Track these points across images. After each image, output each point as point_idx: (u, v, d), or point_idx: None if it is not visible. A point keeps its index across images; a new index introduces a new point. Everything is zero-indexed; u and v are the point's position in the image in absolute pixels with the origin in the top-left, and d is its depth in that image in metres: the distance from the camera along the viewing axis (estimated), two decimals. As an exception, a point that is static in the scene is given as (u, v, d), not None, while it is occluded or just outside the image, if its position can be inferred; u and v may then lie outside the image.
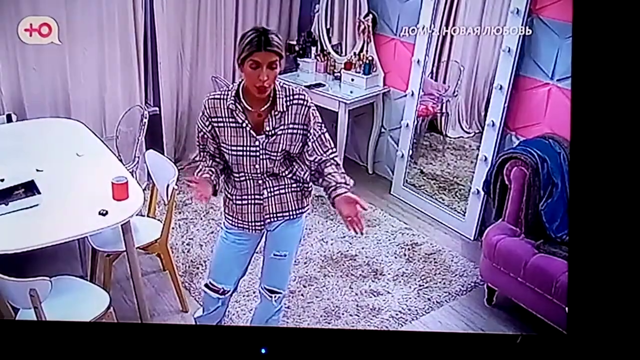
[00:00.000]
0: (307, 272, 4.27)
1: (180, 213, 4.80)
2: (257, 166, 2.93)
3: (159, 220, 4.01)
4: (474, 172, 4.72)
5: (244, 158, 2.91)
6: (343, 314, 3.92)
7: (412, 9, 4.97)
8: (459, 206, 4.87)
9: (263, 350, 3.19)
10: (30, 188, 3.52)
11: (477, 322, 3.88)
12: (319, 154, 2.97)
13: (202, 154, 3.03)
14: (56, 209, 3.44)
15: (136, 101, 5.11)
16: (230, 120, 2.87)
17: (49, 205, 3.47)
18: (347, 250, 4.51)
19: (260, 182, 2.98)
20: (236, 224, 3.10)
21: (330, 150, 3.02)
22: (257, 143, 2.88)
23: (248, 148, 2.89)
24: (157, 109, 5.30)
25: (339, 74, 5.57)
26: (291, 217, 3.11)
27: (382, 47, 5.35)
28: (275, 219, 3.09)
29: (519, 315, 3.78)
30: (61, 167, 3.86)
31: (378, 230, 4.79)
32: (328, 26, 5.75)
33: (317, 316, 3.90)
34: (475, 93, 5.19)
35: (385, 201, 5.23)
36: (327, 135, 3.02)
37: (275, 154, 2.91)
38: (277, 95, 2.88)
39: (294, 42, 5.86)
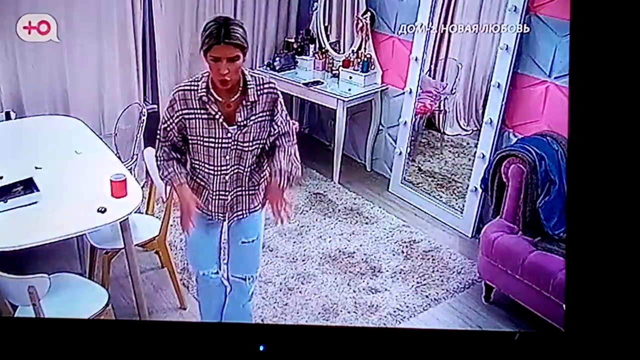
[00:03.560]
0: (305, 269, 4.28)
1: (178, 210, 4.79)
2: (227, 157, 2.92)
3: (157, 217, 4.02)
4: (471, 170, 4.72)
5: (216, 150, 2.90)
6: (341, 311, 3.92)
7: (410, 7, 4.96)
8: (456, 203, 4.88)
9: (261, 347, 3.20)
10: (29, 185, 3.52)
11: (475, 320, 3.89)
12: (278, 139, 3.01)
13: (163, 148, 2.98)
14: (55, 207, 3.45)
15: (134, 99, 5.11)
16: (202, 112, 2.84)
17: (47, 202, 3.47)
18: (345, 248, 4.52)
19: (226, 178, 2.98)
20: (200, 213, 3.10)
21: (291, 140, 3.05)
22: (229, 135, 2.88)
23: (220, 140, 2.88)
24: (155, 106, 5.29)
25: (337, 72, 5.57)
26: (253, 212, 3.14)
27: (380, 44, 5.35)
28: (237, 214, 3.11)
29: (517, 312, 3.78)
30: (60, 164, 3.87)
31: (376, 227, 4.79)
32: (326, 24, 5.75)
33: (315, 313, 3.90)
34: (473, 91, 5.20)
35: (383, 198, 5.23)
36: (291, 125, 3.07)
37: (247, 144, 2.92)
38: (248, 85, 2.86)
39: (292, 40, 5.86)
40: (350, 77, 5.41)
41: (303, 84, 5.47)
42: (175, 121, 2.89)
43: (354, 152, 5.78)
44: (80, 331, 3.18)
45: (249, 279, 3.29)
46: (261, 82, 2.90)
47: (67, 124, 4.51)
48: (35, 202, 3.46)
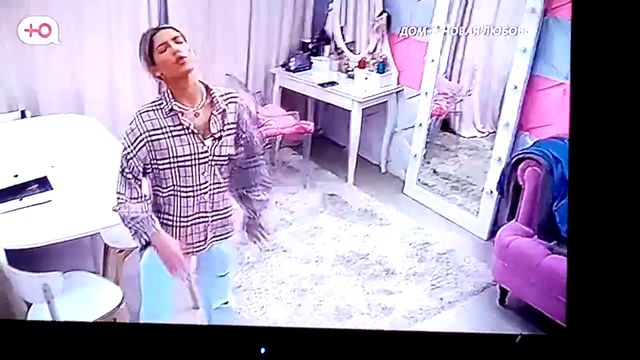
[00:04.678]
0: (319, 271, 4.26)
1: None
2: (205, 174, 2.70)
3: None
4: (487, 172, 4.70)
5: (192, 168, 2.68)
6: (354, 312, 3.91)
7: (426, 8, 4.95)
8: (471, 206, 4.85)
9: (263, 350, 3.18)
10: (43, 184, 3.53)
11: (489, 323, 3.86)
12: (249, 155, 2.85)
13: (124, 182, 2.68)
14: (69, 205, 3.46)
15: (149, 98, 5.10)
16: (173, 127, 2.63)
17: (62, 201, 3.48)
18: (359, 249, 4.50)
19: (205, 197, 2.75)
20: None
21: (260, 156, 2.89)
22: (204, 148, 2.68)
23: (197, 155, 2.66)
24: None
25: (352, 73, 5.56)
26: (228, 237, 2.93)
27: (396, 45, 5.34)
28: (215, 240, 2.88)
29: (532, 316, 3.75)
30: (74, 163, 3.88)
31: (390, 229, 4.77)
32: (342, 24, 5.75)
33: (328, 314, 3.89)
34: (489, 93, 5.16)
35: (398, 200, 5.21)
36: (258, 139, 2.87)
37: (222, 158, 2.72)
38: (211, 92, 2.70)
39: (308, 40, 5.85)
40: (366, 78, 5.40)
41: (318, 84, 5.46)
42: (139, 146, 2.63)
43: (368, 153, 5.76)
44: (79, 334, 3.17)
45: (227, 304, 3.13)
46: (223, 91, 2.75)
47: (82, 123, 4.53)
48: (50, 201, 3.47)
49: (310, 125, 5.34)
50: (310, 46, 5.83)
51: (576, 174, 3.18)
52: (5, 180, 3.49)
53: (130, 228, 2.71)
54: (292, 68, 5.70)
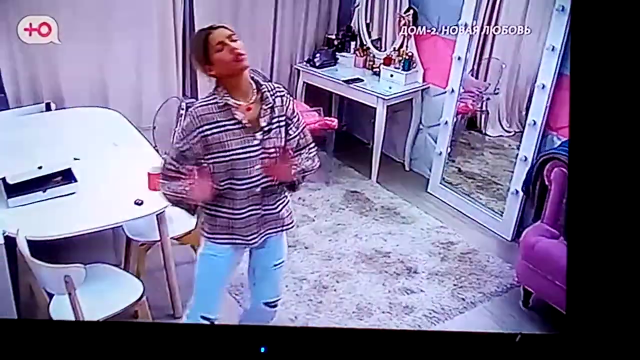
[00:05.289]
0: (340, 268, 4.24)
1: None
2: (255, 167, 2.73)
3: (193, 211, 4.01)
4: (513, 172, 4.64)
5: (245, 161, 2.71)
6: (375, 310, 3.88)
7: (453, 5, 4.89)
8: (496, 206, 4.80)
9: (262, 349, 3.15)
10: (67, 176, 3.55)
11: (512, 324, 3.82)
12: (300, 147, 2.87)
13: (171, 165, 2.75)
14: (92, 198, 3.48)
15: (173, 92, 5.13)
16: (226, 121, 2.68)
17: (85, 193, 3.50)
18: (381, 247, 4.48)
19: (257, 190, 2.78)
20: (228, 240, 2.87)
21: (312, 145, 2.92)
22: (255, 142, 2.71)
23: (248, 149, 2.70)
24: (194, 100, 5.30)
25: (378, 70, 5.53)
26: (284, 229, 2.97)
27: (423, 43, 5.29)
28: (268, 233, 2.92)
29: (556, 318, 3.69)
30: (98, 156, 3.90)
31: (413, 227, 4.74)
32: (368, 21, 5.72)
33: (349, 312, 3.87)
34: (516, 91, 5.11)
35: (421, 199, 5.18)
36: (307, 129, 2.91)
37: (272, 151, 2.75)
38: (261, 88, 2.76)
39: (333, 36, 5.83)
40: (391, 75, 5.36)
41: (343, 81, 5.44)
42: (194, 140, 2.68)
43: (392, 151, 5.73)
44: (81, 332, 3.16)
45: (276, 303, 3.16)
46: (272, 86, 2.81)
47: (106, 116, 4.54)
48: (73, 193, 3.49)
49: (334, 122, 5.31)
50: (335, 42, 5.81)
51: (576, 173, 3.12)
52: (29, 171, 3.50)
53: (168, 192, 2.78)
54: (316, 64, 5.69)
